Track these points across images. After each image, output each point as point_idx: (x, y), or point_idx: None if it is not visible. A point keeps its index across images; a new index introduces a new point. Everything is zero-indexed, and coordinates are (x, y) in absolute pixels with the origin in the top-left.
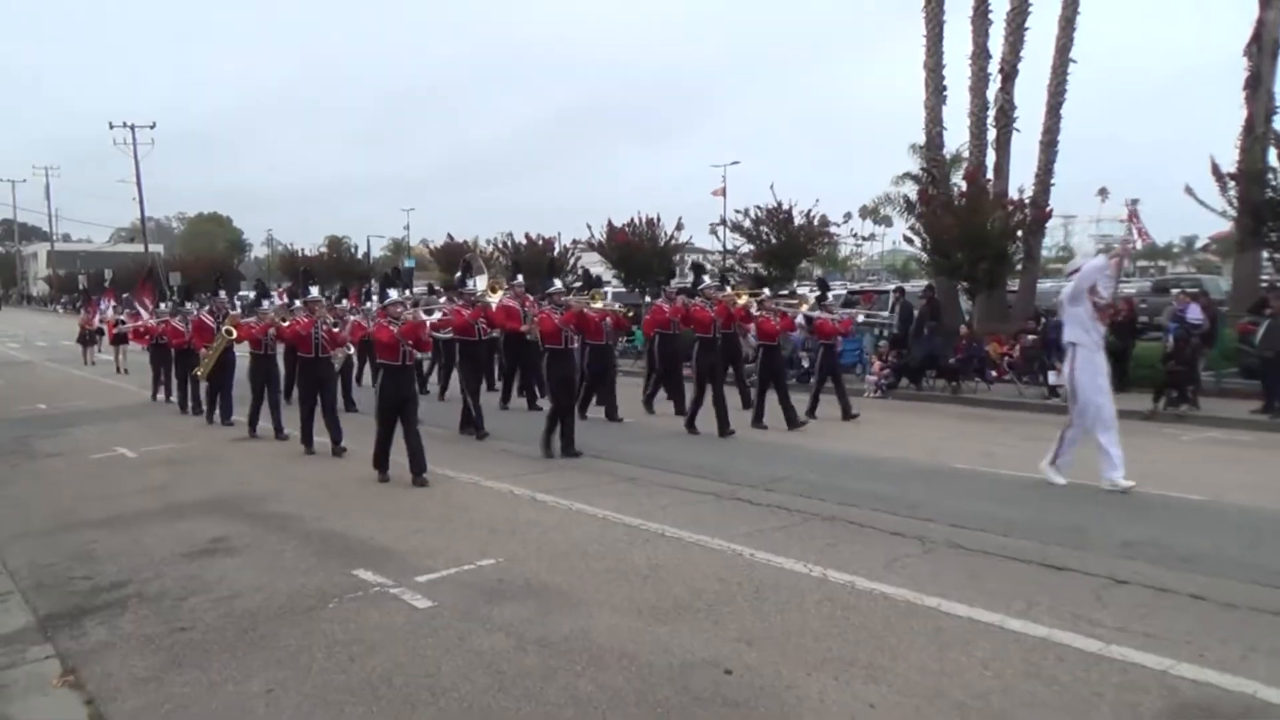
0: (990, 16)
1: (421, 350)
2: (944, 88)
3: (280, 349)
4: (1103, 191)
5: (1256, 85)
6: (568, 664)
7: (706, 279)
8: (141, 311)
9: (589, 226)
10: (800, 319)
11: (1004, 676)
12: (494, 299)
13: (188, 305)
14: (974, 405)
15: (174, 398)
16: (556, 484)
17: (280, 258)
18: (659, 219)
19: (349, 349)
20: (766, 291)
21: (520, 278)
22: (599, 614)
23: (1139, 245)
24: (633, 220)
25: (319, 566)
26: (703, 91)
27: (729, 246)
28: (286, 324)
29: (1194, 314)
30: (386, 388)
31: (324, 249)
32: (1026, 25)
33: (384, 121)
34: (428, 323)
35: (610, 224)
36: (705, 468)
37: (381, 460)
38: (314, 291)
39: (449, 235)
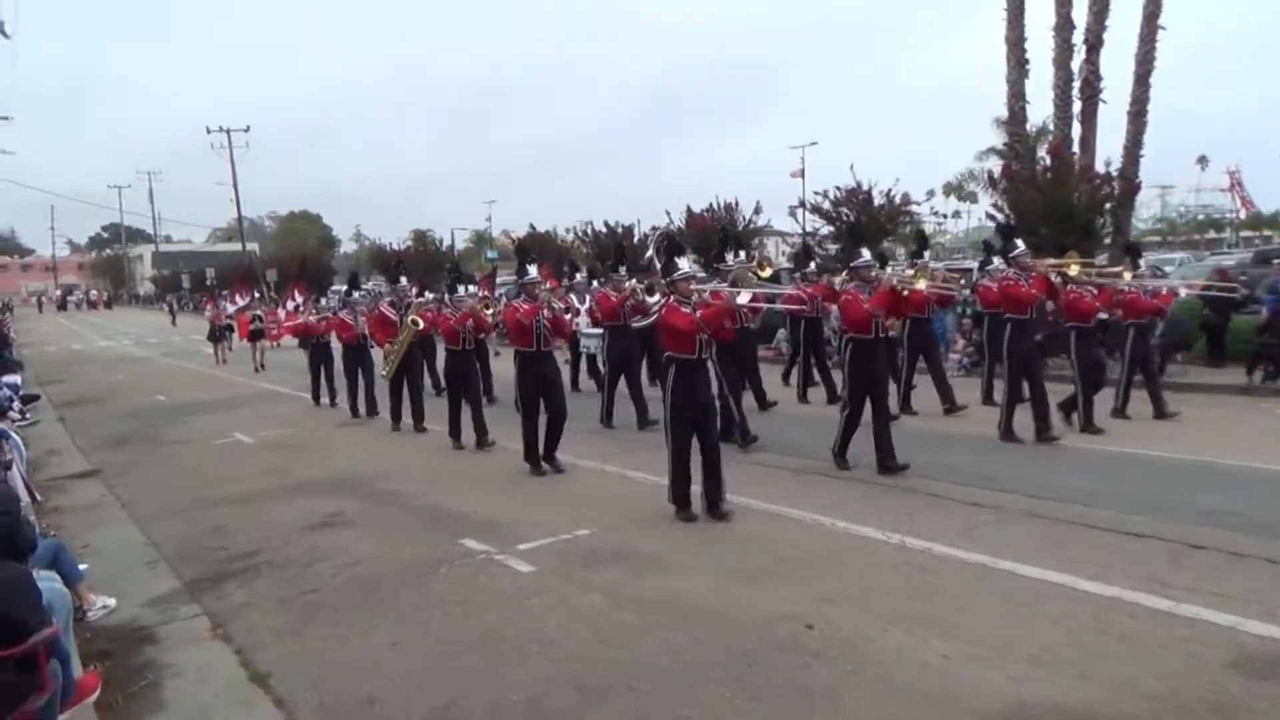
0: None
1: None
2: (1026, 61)
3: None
4: (1202, 160)
5: None
6: (660, 619)
7: (1022, 243)
8: (282, 309)
9: (668, 213)
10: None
11: (1074, 631)
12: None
13: (355, 295)
14: (1058, 381)
15: (340, 400)
16: (645, 462)
17: (369, 252)
18: (737, 203)
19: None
20: (1076, 261)
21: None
22: (688, 577)
23: (1242, 214)
24: (711, 205)
25: (429, 537)
26: (781, 73)
27: (808, 229)
28: (491, 312)
29: None
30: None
31: (409, 242)
32: None
33: (466, 117)
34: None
35: (689, 209)
36: (781, 444)
37: (680, 496)
38: (532, 271)
39: (531, 226)
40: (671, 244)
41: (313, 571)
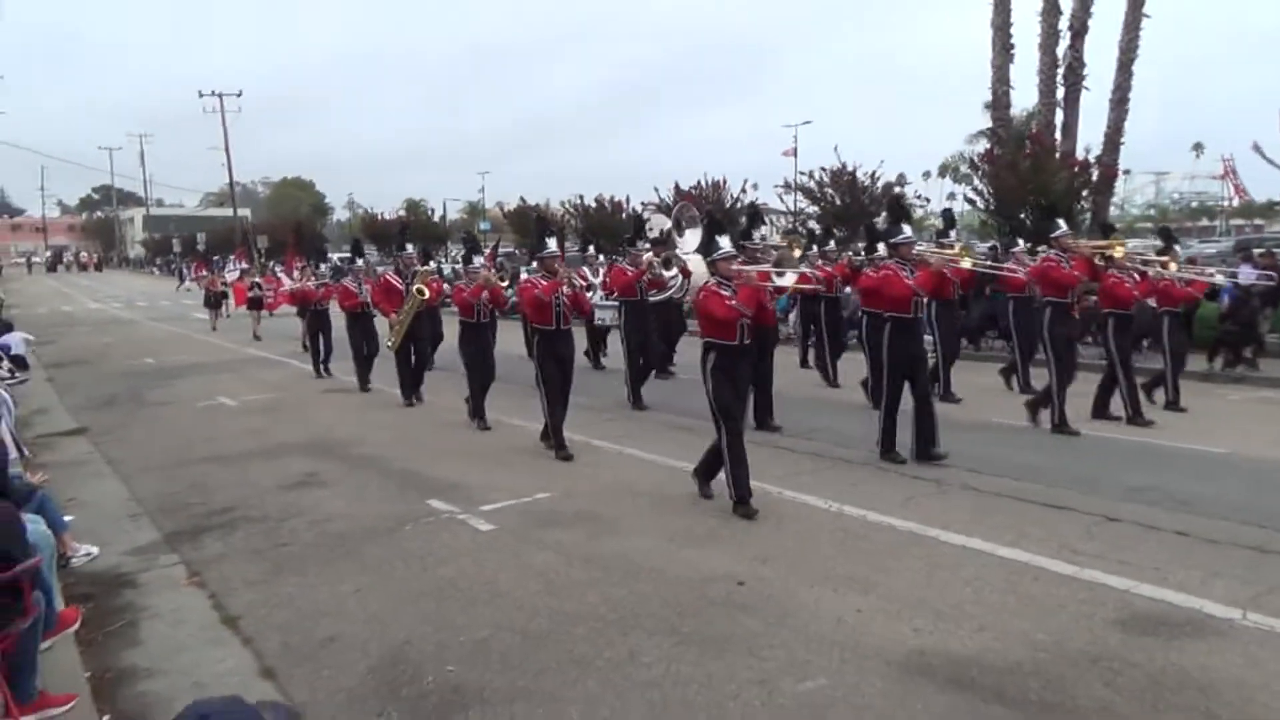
0: None
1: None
2: (1011, 46)
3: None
4: (1198, 147)
5: None
6: (606, 576)
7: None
8: (284, 278)
9: (656, 189)
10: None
11: (982, 591)
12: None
13: (358, 263)
14: (1032, 364)
15: (334, 369)
16: (613, 432)
17: (361, 220)
18: (725, 181)
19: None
20: (1120, 244)
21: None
22: (638, 539)
23: (1235, 202)
24: (699, 182)
25: (398, 497)
26: (779, 51)
27: (795, 208)
28: (506, 285)
29: (1245, 273)
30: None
31: (402, 212)
32: None
33: (459, 88)
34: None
35: (677, 186)
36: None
37: (743, 487)
38: (551, 245)
39: (522, 199)
40: (713, 221)
41: (286, 526)
